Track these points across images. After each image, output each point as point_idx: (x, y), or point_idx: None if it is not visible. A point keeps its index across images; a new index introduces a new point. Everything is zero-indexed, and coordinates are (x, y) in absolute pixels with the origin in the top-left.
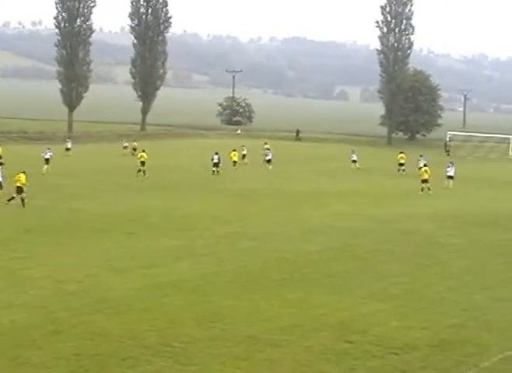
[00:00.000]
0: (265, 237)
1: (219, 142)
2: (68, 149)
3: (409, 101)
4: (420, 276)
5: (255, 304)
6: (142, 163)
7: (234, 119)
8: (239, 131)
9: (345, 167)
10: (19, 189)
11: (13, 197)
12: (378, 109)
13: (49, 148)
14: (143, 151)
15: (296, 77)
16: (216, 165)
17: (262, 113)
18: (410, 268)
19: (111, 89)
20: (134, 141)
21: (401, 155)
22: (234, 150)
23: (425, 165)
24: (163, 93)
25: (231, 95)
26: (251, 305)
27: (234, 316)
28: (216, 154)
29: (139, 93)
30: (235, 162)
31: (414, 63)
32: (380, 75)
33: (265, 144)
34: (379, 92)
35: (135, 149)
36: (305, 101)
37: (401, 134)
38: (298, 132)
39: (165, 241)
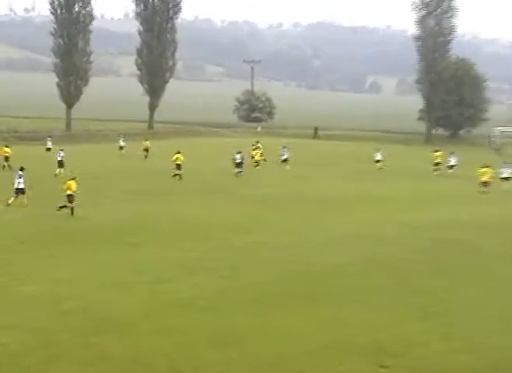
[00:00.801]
0: (289, 247)
1: (236, 141)
2: (48, 149)
3: (451, 93)
4: (464, 290)
5: (278, 323)
6: (178, 166)
7: (253, 115)
8: (259, 129)
9: (374, 169)
10: (70, 198)
11: (65, 206)
12: (416, 102)
13: (62, 149)
14: (178, 152)
15: (322, 67)
16: (239, 165)
17: (284, 108)
18: (452, 282)
19: (114, 83)
20: (146, 140)
21: (438, 153)
22: (256, 148)
23: (486, 166)
24: (172, 87)
25: (249, 88)
26: (274, 325)
27: (254, 337)
28: (239, 153)
29: (146, 87)
30: (257, 162)
31: (456, 50)
32: (418, 64)
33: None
34: (417, 83)
35: (146, 149)
36: (333, 94)
37: (441, 130)
38: (316, 130)
39: (176, 252)
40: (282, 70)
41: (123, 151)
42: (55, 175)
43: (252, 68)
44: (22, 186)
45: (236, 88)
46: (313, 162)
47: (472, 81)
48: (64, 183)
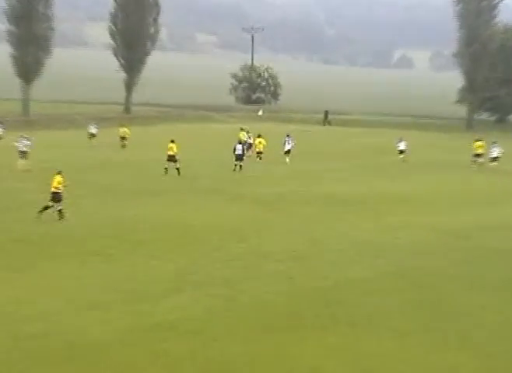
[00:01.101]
0: (296, 259)
1: (233, 128)
2: None
3: (498, 69)
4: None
5: (282, 351)
6: (171, 158)
7: (254, 96)
8: (260, 113)
9: (399, 162)
10: (55, 196)
11: (48, 207)
12: (454, 80)
13: (25, 137)
14: (172, 141)
15: (339, 37)
16: (239, 158)
17: (292, 87)
18: (500, 302)
19: (82, 55)
20: (123, 126)
21: (479, 142)
22: (259, 136)
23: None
24: (154, 60)
25: (249, 62)
26: (276, 353)
27: (252, 367)
28: (240, 143)
29: (122, 61)
30: (260, 152)
31: (505, 15)
32: (458, 33)
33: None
34: (455, 56)
35: (123, 138)
36: (352, 70)
37: (486, 114)
38: (327, 114)
39: (159, 264)
40: (290, 40)
41: (93, 141)
42: (20, 169)
43: (252, 38)
44: None
45: (233, 63)
46: (325, 154)
47: None
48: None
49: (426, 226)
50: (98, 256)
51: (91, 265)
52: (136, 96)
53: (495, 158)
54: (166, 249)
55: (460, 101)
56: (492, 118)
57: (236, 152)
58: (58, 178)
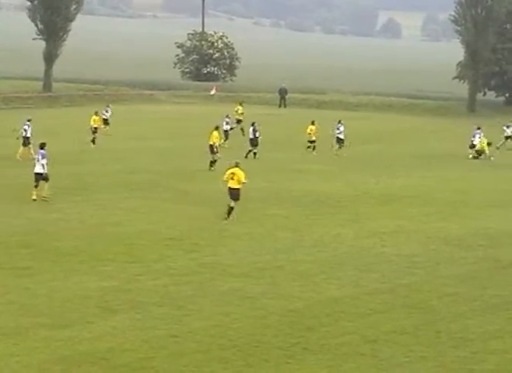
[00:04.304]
0: (260, 273)
1: (179, 110)
2: None
3: (507, 38)
4: None
5: None
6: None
7: (205, 70)
8: (213, 92)
9: (389, 152)
10: None
11: None
12: (452, 52)
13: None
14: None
15: None
16: (252, 143)
17: (254, 60)
18: (511, 327)
19: None
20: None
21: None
22: (217, 128)
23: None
24: (81, 26)
25: (199, 29)
26: None
27: None
28: (252, 125)
29: (40, 26)
30: (212, 146)
31: None
32: None
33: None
34: (454, 22)
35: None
36: (327, 38)
37: (492, 93)
38: (283, 93)
39: (86, 280)
40: (251, 1)
41: (107, 128)
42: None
43: None
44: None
45: (178, 29)
46: (295, 144)
47: None
48: None
49: (420, 233)
50: (11, 270)
51: (2, 281)
52: (58, 71)
53: (341, 141)
54: (94, 262)
55: (459, 77)
56: (499, 98)
57: (249, 136)
58: None
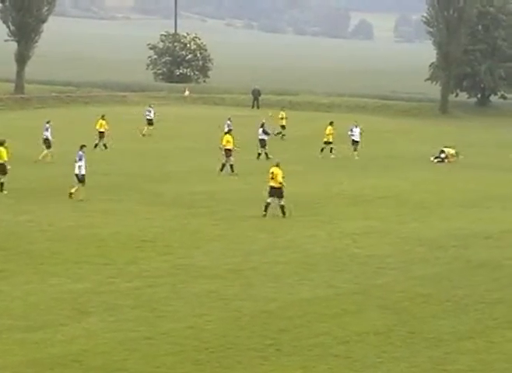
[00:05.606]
0: (233, 275)
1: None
2: None
3: (479, 39)
4: (499, 340)
5: None
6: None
7: (178, 72)
8: (187, 93)
9: (362, 153)
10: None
11: None
12: (425, 53)
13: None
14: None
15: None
16: (262, 144)
17: (226, 61)
18: (482, 327)
19: None
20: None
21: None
22: (229, 132)
23: None
24: (54, 28)
25: (171, 30)
26: None
27: None
28: (262, 126)
29: (12, 28)
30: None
31: None
32: None
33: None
34: (426, 23)
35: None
36: (300, 40)
37: (464, 94)
38: (256, 93)
39: (60, 283)
40: (223, 3)
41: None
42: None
43: (175, 0)
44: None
45: (151, 31)
46: (280, 143)
47: (510, 23)
48: None
49: (392, 234)
50: None
51: None
52: (30, 73)
53: (356, 143)
54: (68, 264)
55: (432, 79)
56: (472, 99)
57: (259, 137)
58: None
